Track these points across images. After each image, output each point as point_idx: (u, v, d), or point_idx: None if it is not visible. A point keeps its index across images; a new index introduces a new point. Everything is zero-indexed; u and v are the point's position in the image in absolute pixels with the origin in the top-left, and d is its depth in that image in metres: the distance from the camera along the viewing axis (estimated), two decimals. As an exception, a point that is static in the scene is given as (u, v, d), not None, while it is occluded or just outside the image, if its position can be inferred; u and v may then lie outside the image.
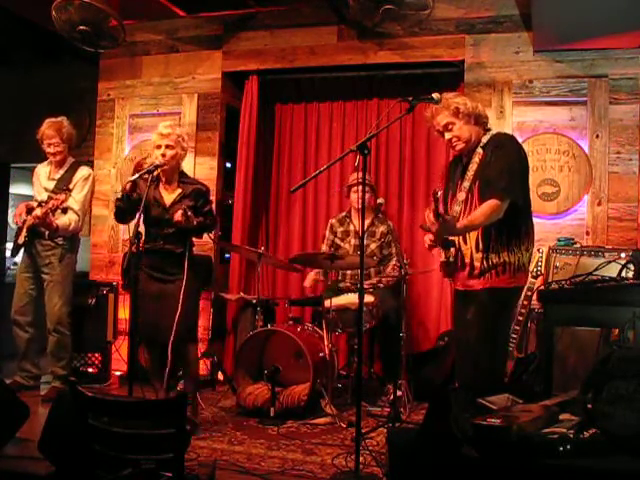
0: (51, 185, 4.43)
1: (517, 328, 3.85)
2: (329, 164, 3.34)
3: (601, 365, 2.44)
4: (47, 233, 4.28)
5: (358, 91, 5.41)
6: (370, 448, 3.17)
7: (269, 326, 4.25)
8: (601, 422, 2.29)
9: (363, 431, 3.14)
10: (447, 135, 3.19)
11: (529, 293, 3.85)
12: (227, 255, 5.42)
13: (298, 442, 3.48)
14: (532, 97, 4.59)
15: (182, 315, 3.46)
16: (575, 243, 4.22)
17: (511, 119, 4.61)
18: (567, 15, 3.96)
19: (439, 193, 2.92)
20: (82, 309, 4.77)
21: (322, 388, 4.00)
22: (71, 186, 4.31)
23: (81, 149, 5.65)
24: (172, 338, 3.42)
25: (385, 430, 3.55)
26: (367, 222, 4.58)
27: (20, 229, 4.36)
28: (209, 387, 4.66)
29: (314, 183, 5.36)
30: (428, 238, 3.16)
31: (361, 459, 2.88)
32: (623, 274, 3.25)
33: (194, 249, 3.73)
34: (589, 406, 2.34)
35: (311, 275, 4.75)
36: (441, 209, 2.97)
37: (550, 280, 3.87)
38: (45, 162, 4.56)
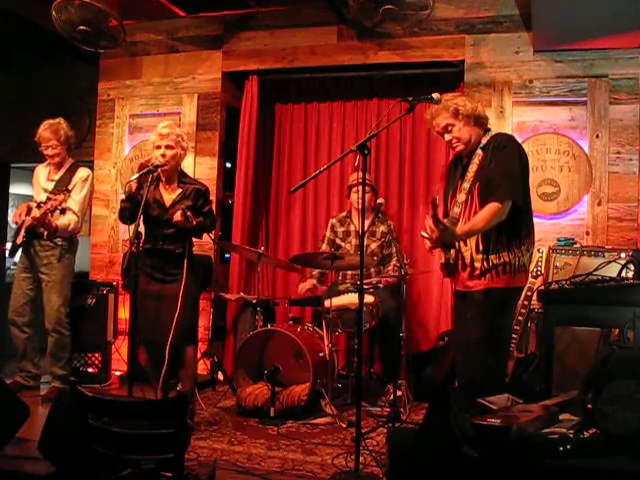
0: (50, 186, 4.43)
1: (517, 328, 3.85)
2: (329, 164, 3.33)
3: (601, 365, 2.45)
4: (46, 233, 4.28)
5: (358, 91, 5.40)
6: (370, 448, 3.17)
7: (269, 326, 4.25)
8: (601, 422, 2.29)
9: (363, 431, 3.14)
10: (447, 136, 3.18)
11: (529, 293, 3.85)
12: (227, 255, 5.42)
13: (298, 442, 3.48)
14: (532, 97, 4.59)
15: (181, 316, 3.47)
16: (575, 243, 4.23)
17: (511, 119, 4.61)
18: (567, 15, 3.96)
19: (438, 200, 2.92)
20: (82, 309, 4.76)
21: (322, 388, 4.00)
22: (70, 187, 4.31)
23: (81, 149, 5.65)
24: (170, 339, 3.43)
25: (385, 430, 3.55)
26: (367, 222, 4.58)
27: (19, 229, 4.37)
28: (209, 387, 4.66)
29: (314, 183, 5.36)
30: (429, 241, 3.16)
31: (361, 459, 2.88)
32: (623, 274, 3.26)
33: (194, 249, 3.73)
34: (589, 406, 2.35)
35: (305, 285, 4.71)
36: (440, 215, 2.97)
37: (550, 280, 3.87)
38: (44, 163, 4.57)
